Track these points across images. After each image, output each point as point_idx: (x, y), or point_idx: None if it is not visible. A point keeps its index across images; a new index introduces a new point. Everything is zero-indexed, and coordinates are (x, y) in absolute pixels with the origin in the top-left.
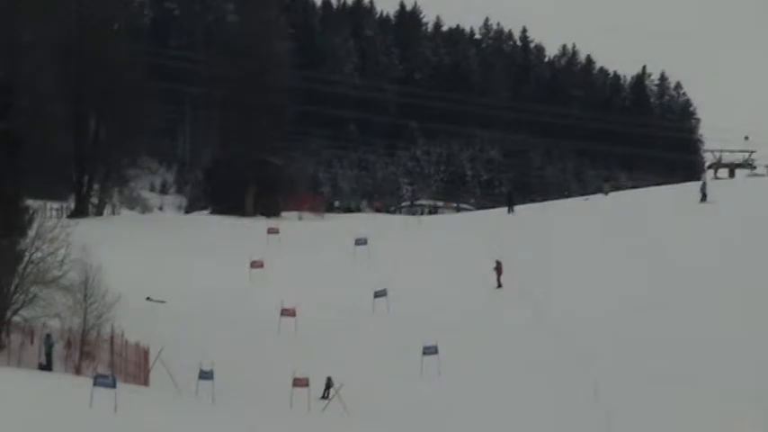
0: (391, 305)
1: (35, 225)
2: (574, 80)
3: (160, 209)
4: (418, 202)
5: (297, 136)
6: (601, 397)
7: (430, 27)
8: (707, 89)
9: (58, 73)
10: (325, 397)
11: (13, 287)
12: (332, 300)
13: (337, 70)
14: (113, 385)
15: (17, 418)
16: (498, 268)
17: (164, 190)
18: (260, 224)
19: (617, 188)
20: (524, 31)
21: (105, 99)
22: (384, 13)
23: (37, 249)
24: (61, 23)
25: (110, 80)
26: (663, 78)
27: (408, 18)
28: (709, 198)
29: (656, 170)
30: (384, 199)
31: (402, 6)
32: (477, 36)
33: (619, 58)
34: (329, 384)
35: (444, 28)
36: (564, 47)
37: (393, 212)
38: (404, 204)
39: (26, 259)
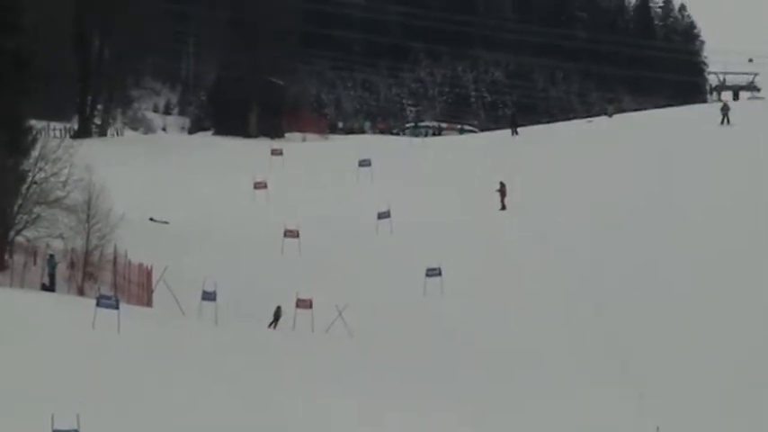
0: (395, 226)
1: (38, 145)
2: (578, 2)
3: (163, 129)
4: (422, 124)
5: (301, 57)
6: (603, 315)
7: None
8: (711, 11)
9: None
10: (272, 326)
11: (16, 207)
12: (335, 221)
13: None
14: (116, 306)
15: (20, 338)
16: (502, 190)
17: (167, 110)
18: (263, 145)
19: (621, 110)
20: None
21: (110, 18)
22: None
23: (40, 170)
24: None
25: None
26: (667, 0)
27: None
28: (732, 121)
29: (660, 93)
30: (388, 120)
31: None
32: None
33: None
34: (278, 314)
35: None
36: None
37: (397, 134)
38: (408, 126)
39: (29, 179)
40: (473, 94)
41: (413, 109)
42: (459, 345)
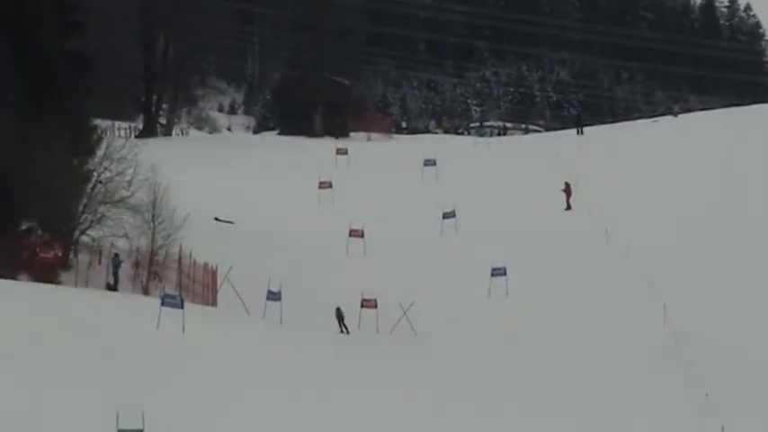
0: (460, 226)
1: (103, 145)
2: (644, 1)
3: (228, 129)
4: (487, 123)
5: (366, 56)
6: (669, 315)
7: None
8: None
9: None
10: (342, 331)
11: (81, 207)
12: (400, 221)
13: None
14: (181, 306)
15: (84, 338)
16: (567, 190)
17: (232, 110)
18: (328, 145)
19: (686, 110)
20: None
21: (175, 17)
22: None
23: (105, 169)
24: None
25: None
26: (732, 0)
27: None
28: None
29: (725, 92)
30: (453, 120)
31: None
32: None
33: None
34: (340, 316)
35: None
36: None
37: (462, 133)
38: (472, 125)
39: (94, 179)
40: (538, 93)
41: (478, 108)
42: (522, 345)
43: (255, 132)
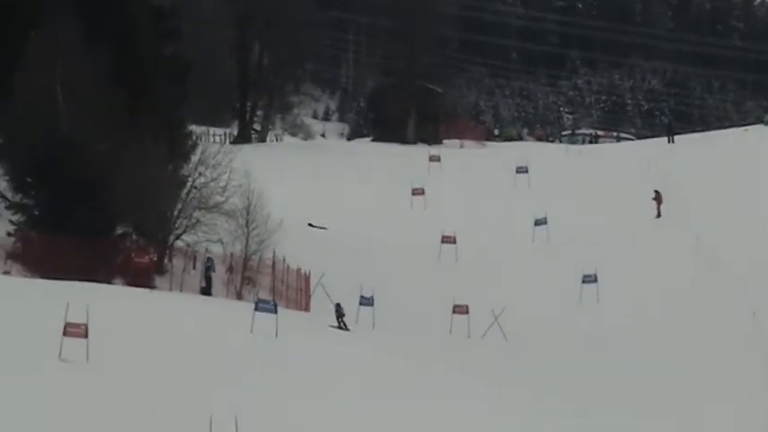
0: (551, 233)
1: (198, 151)
2: (735, 11)
3: (323, 135)
4: (579, 131)
5: (459, 64)
6: (759, 326)
7: None
8: None
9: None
10: (341, 327)
11: (176, 212)
12: (492, 227)
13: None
14: (274, 311)
15: (178, 341)
16: (657, 198)
17: (326, 117)
18: (421, 152)
19: None
20: None
21: (270, 25)
22: None
23: (200, 175)
24: None
25: (275, 6)
26: None
27: None
28: None
29: None
30: (545, 128)
31: None
32: None
33: None
34: (340, 312)
35: None
36: None
37: (553, 141)
38: (564, 133)
39: (189, 185)
40: (629, 102)
41: (570, 117)
42: (614, 351)
43: (349, 139)
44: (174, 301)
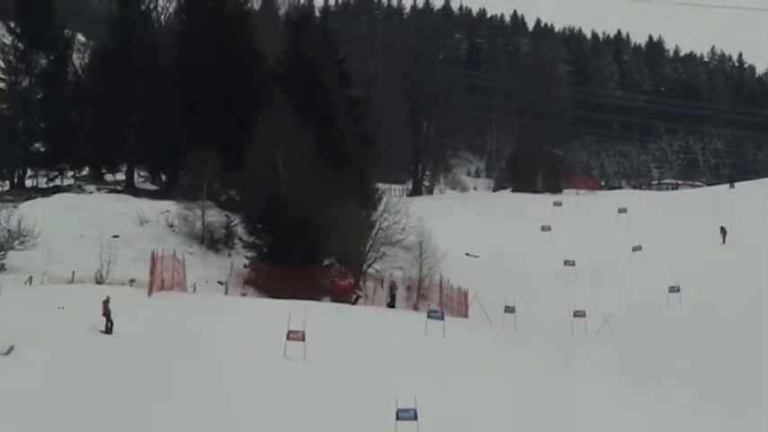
0: (645, 256)
1: (383, 202)
2: None
3: (474, 188)
4: (664, 181)
5: (574, 134)
6: None
7: (671, 53)
8: None
9: (398, 90)
10: (390, 304)
11: (367, 247)
12: (602, 253)
13: (603, 85)
14: (442, 318)
15: (370, 342)
16: (723, 230)
17: (477, 174)
18: (547, 198)
19: None
20: (740, 55)
21: (434, 108)
22: (637, 43)
23: (385, 219)
24: (400, 55)
25: (437, 94)
26: None
27: (655, 46)
28: None
29: None
30: (638, 179)
31: (650, 38)
32: (706, 59)
33: None
34: (393, 294)
35: (681, 53)
36: None
37: (645, 189)
38: (653, 183)
39: (377, 227)
40: (700, 158)
41: (657, 170)
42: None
43: (494, 190)
44: (367, 313)
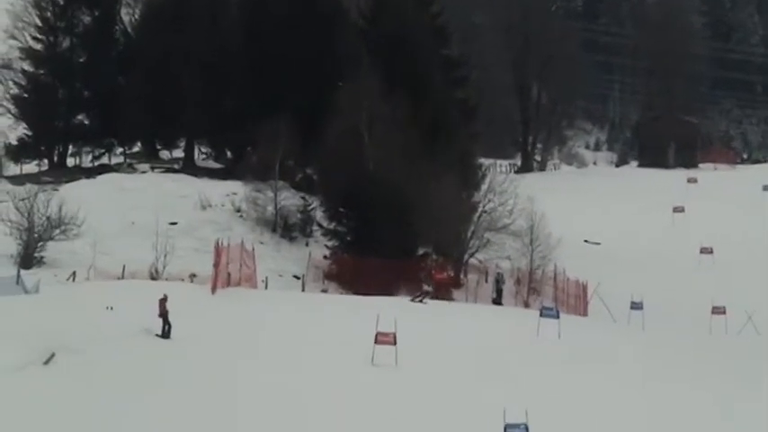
0: None
1: (488, 180)
2: None
3: (594, 163)
4: None
5: (710, 98)
6: None
7: None
8: None
9: (504, 48)
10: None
11: (469, 233)
12: (746, 239)
13: (744, 41)
14: (557, 316)
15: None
16: None
17: (597, 147)
18: (680, 174)
19: None
20: None
21: (545, 69)
22: None
23: (489, 201)
24: (506, 7)
25: (549, 53)
26: None
27: None
28: None
29: None
30: None
31: None
32: None
33: None
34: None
35: None
36: None
37: None
38: None
39: (480, 209)
40: None
41: None
42: None
43: (617, 165)
44: (469, 310)
